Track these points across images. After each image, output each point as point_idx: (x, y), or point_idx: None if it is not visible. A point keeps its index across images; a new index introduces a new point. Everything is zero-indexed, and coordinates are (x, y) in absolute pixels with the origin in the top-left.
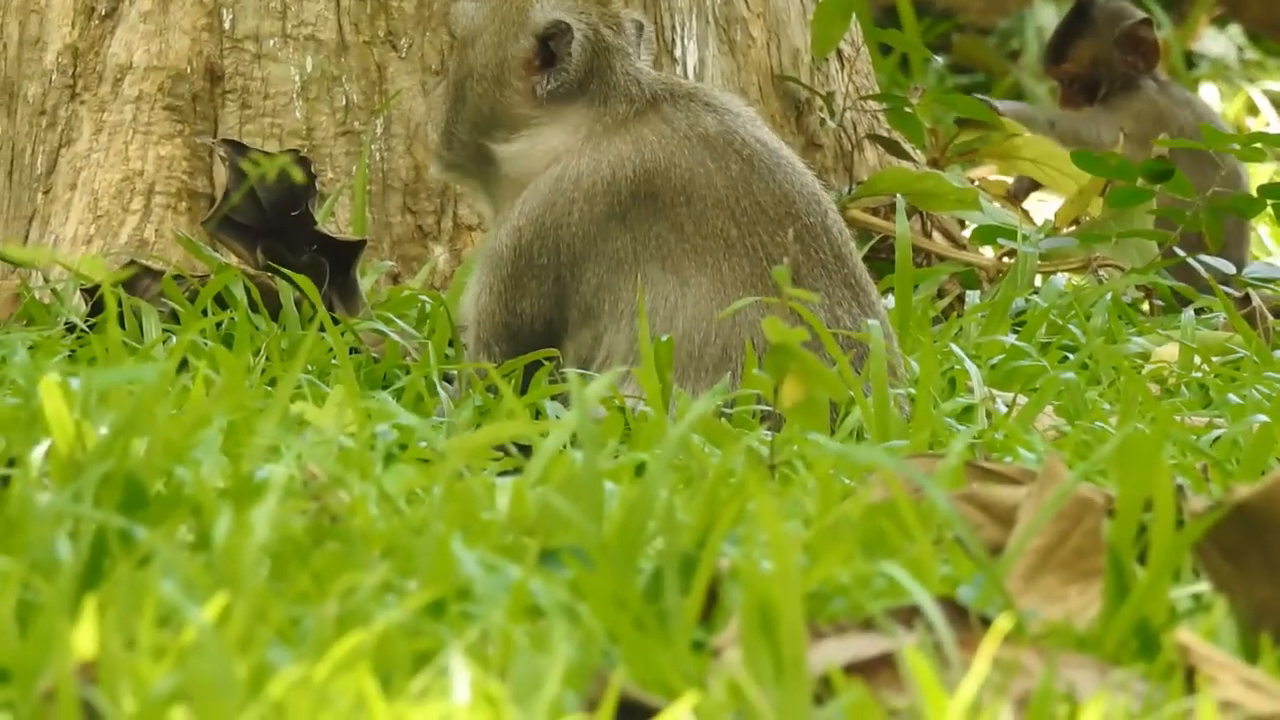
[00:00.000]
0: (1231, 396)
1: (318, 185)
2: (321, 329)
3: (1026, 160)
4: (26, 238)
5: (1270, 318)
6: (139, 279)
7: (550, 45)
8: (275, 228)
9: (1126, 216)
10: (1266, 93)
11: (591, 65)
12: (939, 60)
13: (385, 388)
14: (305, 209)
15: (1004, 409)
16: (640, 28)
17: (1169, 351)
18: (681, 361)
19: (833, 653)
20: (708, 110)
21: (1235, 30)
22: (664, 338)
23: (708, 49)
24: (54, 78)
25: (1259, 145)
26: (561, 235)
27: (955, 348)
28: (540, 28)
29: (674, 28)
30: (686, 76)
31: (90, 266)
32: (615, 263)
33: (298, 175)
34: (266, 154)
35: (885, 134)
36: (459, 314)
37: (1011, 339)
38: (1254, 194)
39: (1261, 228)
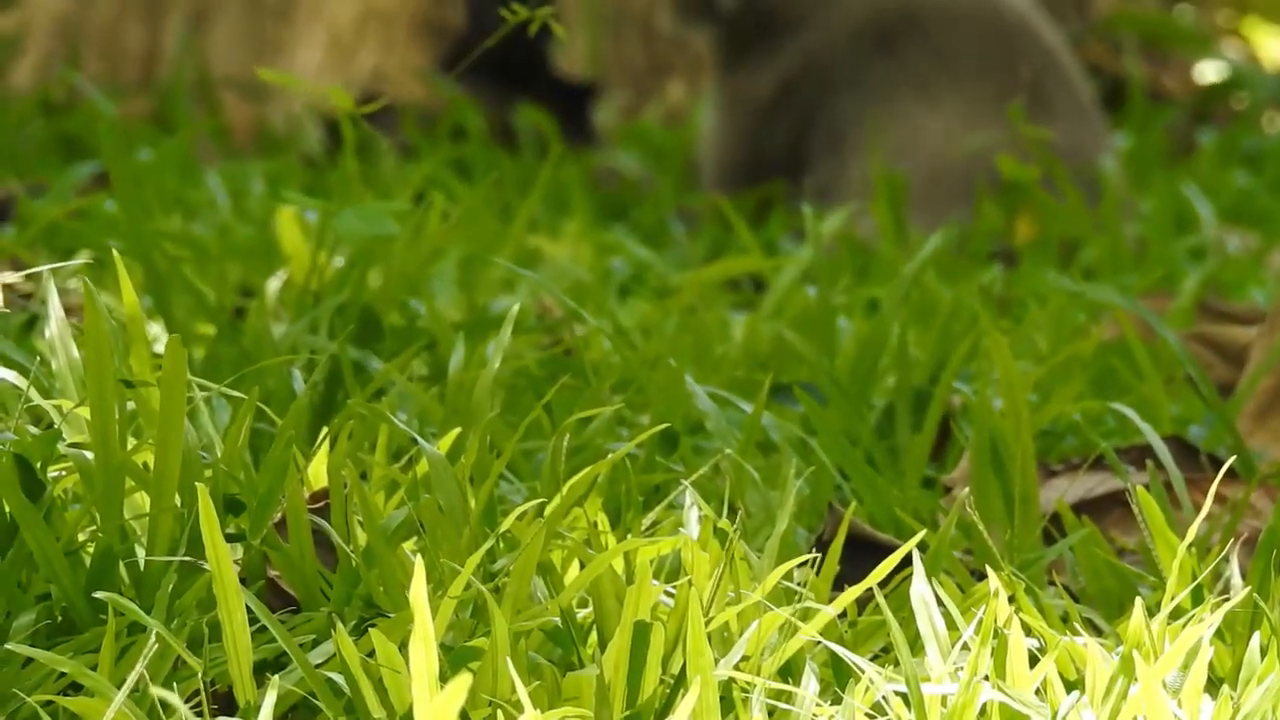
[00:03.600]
0: None
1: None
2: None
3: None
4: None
5: None
6: (378, 111)
7: None
8: (512, 71)
9: None
10: None
11: None
12: None
13: (621, 221)
14: (541, 52)
15: (1236, 248)
16: None
17: None
18: (917, 195)
19: (1063, 491)
20: None
21: None
22: (900, 169)
23: None
24: None
25: None
26: (793, 66)
27: (1188, 186)
28: None
29: None
30: None
31: (336, 95)
32: (870, 91)
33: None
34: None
35: None
36: (698, 147)
37: (1244, 179)
38: None
39: None
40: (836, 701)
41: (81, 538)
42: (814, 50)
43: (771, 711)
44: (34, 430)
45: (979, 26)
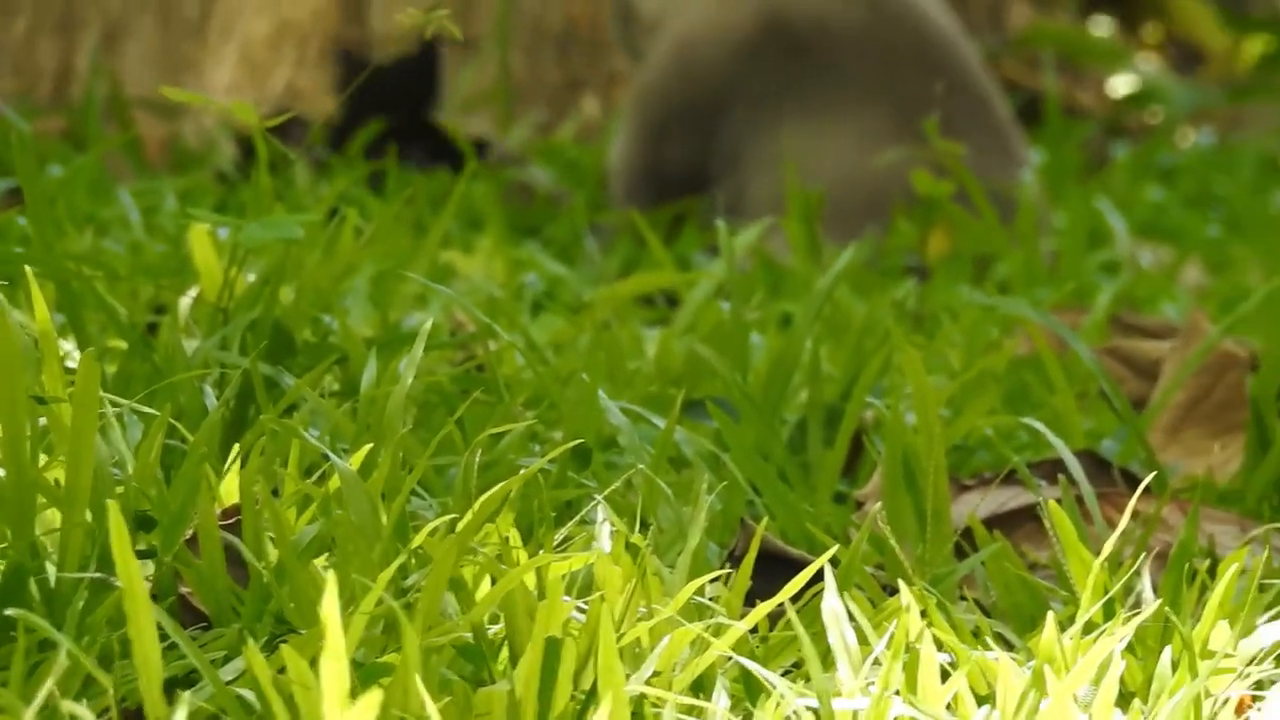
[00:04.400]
0: None
1: (442, 82)
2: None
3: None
4: (178, 87)
5: None
6: (291, 128)
7: None
8: (396, 129)
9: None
10: None
11: None
12: None
13: (535, 237)
14: (424, 112)
15: (1149, 263)
16: None
17: None
18: (824, 211)
19: (975, 505)
20: None
21: None
22: (809, 187)
23: None
24: None
25: None
26: (692, 79)
27: (1102, 201)
28: None
29: None
30: None
31: (242, 111)
32: (753, 105)
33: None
34: (384, 65)
35: None
36: (607, 163)
37: (1158, 193)
38: None
39: None
40: (748, 717)
41: None
42: (706, 64)
43: None
44: None
45: (886, 41)
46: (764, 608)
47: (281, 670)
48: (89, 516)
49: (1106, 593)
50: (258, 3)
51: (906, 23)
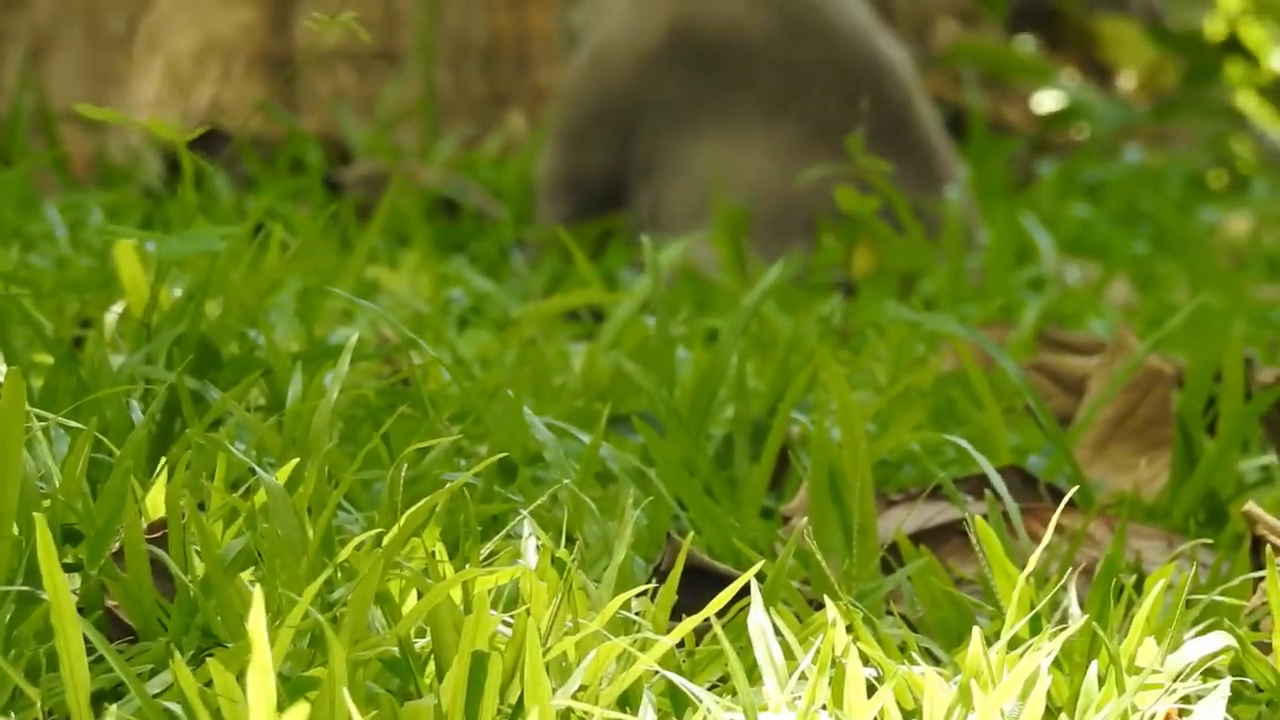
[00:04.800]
0: None
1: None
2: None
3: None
4: (105, 101)
5: None
6: (216, 143)
7: None
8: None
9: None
10: None
11: None
12: None
13: (461, 253)
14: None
15: (1076, 279)
16: None
17: (1240, 222)
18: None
19: (901, 520)
20: None
21: None
22: (730, 201)
23: None
24: None
25: None
26: (607, 88)
27: (1029, 218)
28: None
29: None
30: None
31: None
32: (665, 115)
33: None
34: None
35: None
36: (533, 177)
37: (1084, 210)
38: None
39: None
40: None
41: None
42: (618, 73)
43: None
44: None
45: (799, 55)
46: (690, 622)
47: (208, 684)
48: (16, 530)
49: (1033, 608)
50: (183, 17)
51: (822, 37)
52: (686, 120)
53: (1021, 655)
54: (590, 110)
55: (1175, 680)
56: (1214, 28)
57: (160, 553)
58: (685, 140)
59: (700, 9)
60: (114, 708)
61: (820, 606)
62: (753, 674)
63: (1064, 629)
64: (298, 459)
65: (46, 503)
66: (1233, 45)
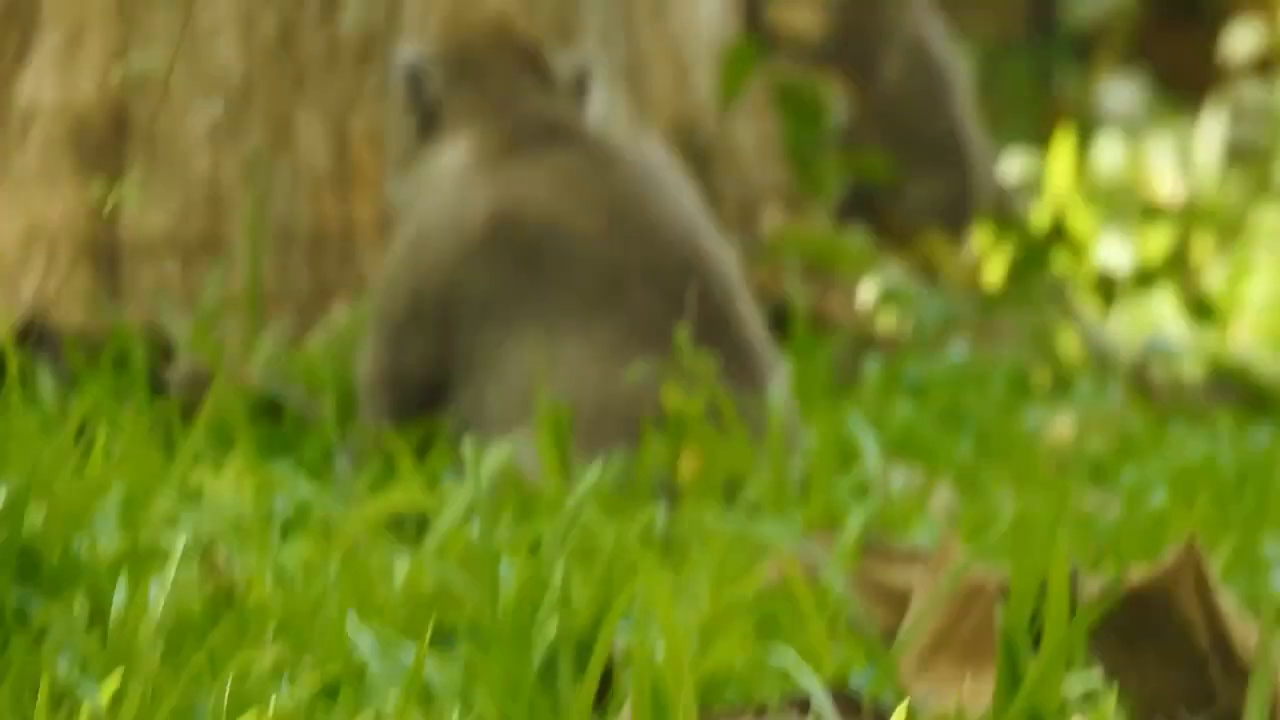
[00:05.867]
0: (1126, 475)
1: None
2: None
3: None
4: None
5: (1165, 392)
6: (41, 337)
7: (415, 83)
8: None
9: (1025, 282)
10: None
11: (461, 104)
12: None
13: (287, 454)
14: None
15: (900, 483)
16: (581, 68)
17: (1064, 425)
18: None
19: None
20: (586, 152)
21: (1140, 79)
22: (553, 401)
23: (610, 93)
24: None
25: None
26: (424, 278)
27: (853, 417)
28: (401, 67)
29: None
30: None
31: None
32: (482, 312)
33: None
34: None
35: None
36: (356, 374)
37: (908, 408)
38: None
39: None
40: None
41: None
42: (437, 262)
43: None
44: None
45: (622, 254)
46: None
47: None
48: None
49: None
50: (6, 203)
51: (645, 238)
52: (506, 315)
53: None
54: (407, 303)
55: None
56: (1039, 217)
57: None
58: (505, 336)
59: (523, 199)
60: None
61: None
62: None
63: None
64: (122, 676)
65: None
66: (1059, 234)
